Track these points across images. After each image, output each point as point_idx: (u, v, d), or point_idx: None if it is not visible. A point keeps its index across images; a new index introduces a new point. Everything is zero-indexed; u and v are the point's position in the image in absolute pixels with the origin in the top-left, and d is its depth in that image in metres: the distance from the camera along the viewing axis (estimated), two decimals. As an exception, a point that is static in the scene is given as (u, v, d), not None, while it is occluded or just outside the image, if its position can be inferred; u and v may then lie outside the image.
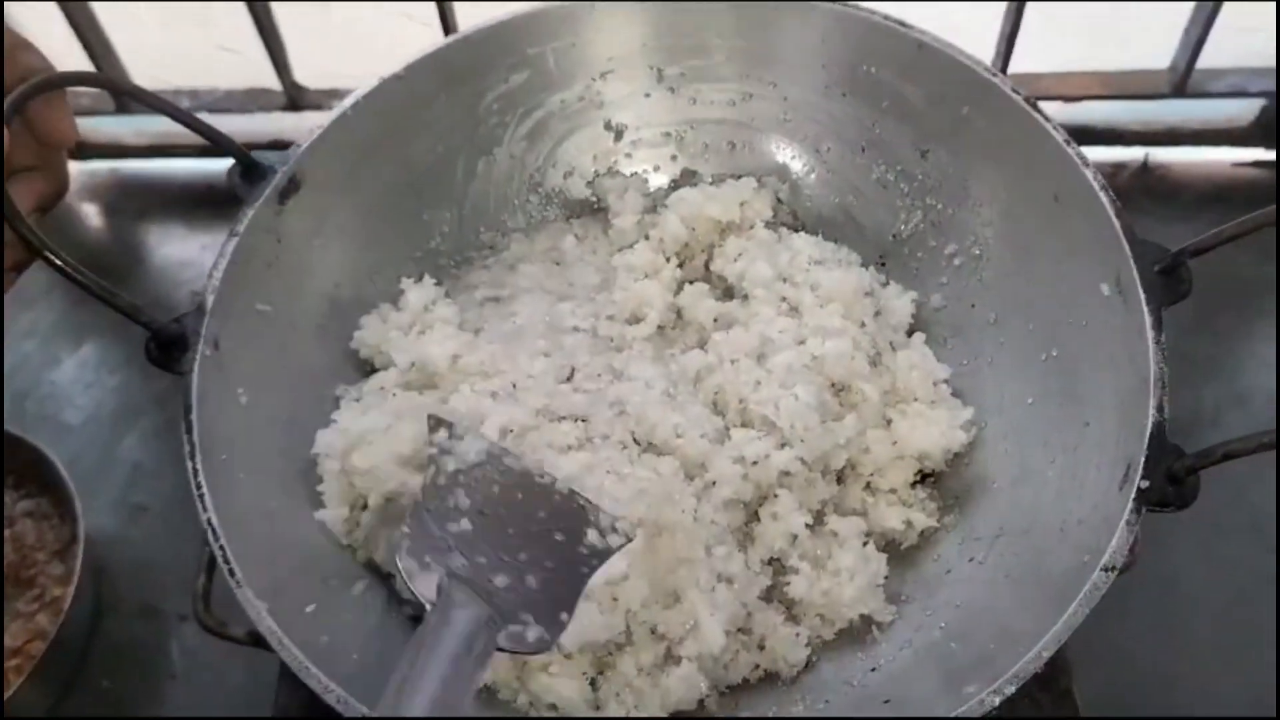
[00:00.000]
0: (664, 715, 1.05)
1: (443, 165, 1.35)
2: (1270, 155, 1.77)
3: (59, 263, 1.00)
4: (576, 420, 1.17)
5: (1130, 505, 0.95)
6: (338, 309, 1.27)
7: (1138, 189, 1.77)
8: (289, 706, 1.21)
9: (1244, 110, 1.81)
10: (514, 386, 1.19)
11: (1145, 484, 0.95)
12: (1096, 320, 1.10)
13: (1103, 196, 1.10)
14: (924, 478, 1.22)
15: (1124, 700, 1.27)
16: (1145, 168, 1.79)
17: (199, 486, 1.02)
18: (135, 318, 1.06)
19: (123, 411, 1.68)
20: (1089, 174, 1.11)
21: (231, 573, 0.97)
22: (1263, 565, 1.37)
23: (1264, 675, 1.28)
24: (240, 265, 1.14)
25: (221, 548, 0.99)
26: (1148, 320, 1.02)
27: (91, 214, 1.96)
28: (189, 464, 1.03)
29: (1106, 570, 0.93)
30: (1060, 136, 1.14)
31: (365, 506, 1.14)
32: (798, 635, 1.11)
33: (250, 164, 1.19)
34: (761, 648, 1.11)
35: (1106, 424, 1.05)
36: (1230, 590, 1.35)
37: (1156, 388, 0.99)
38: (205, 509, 1.00)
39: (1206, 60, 1.73)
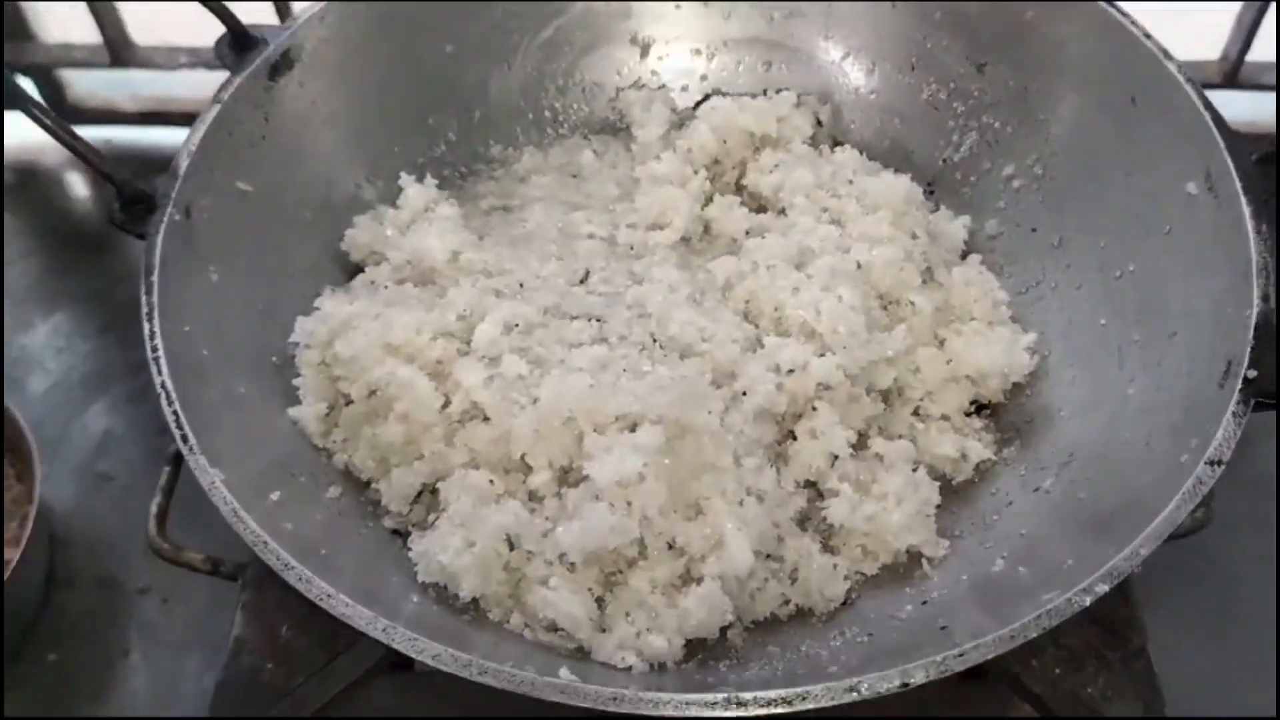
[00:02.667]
0: (680, 640, 0.89)
1: (452, 67, 1.24)
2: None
3: (38, 114, 0.93)
4: (590, 320, 1.04)
5: (1236, 397, 0.83)
6: (329, 207, 1.16)
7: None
8: (249, 642, 1.05)
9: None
10: (520, 286, 1.06)
11: (1253, 374, 0.84)
12: (1182, 223, 0.99)
13: (1189, 89, 1.00)
14: (979, 409, 1.09)
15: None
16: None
17: (154, 350, 0.89)
18: (100, 169, 0.96)
19: (94, 378, 1.57)
20: (1172, 67, 1.02)
21: (184, 439, 0.84)
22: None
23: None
24: (221, 135, 1.04)
25: (175, 413, 0.86)
26: (1246, 211, 0.92)
27: (77, 183, 1.85)
28: (145, 326, 0.91)
29: (1212, 464, 0.80)
30: (1139, 30, 1.04)
31: (349, 402, 1.00)
32: (835, 567, 0.96)
33: (242, 34, 1.08)
34: (794, 580, 0.96)
35: (1199, 329, 0.93)
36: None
37: (1260, 277, 0.89)
38: (160, 371, 0.88)
39: (1259, 54, 1.64)
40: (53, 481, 1.31)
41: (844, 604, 0.97)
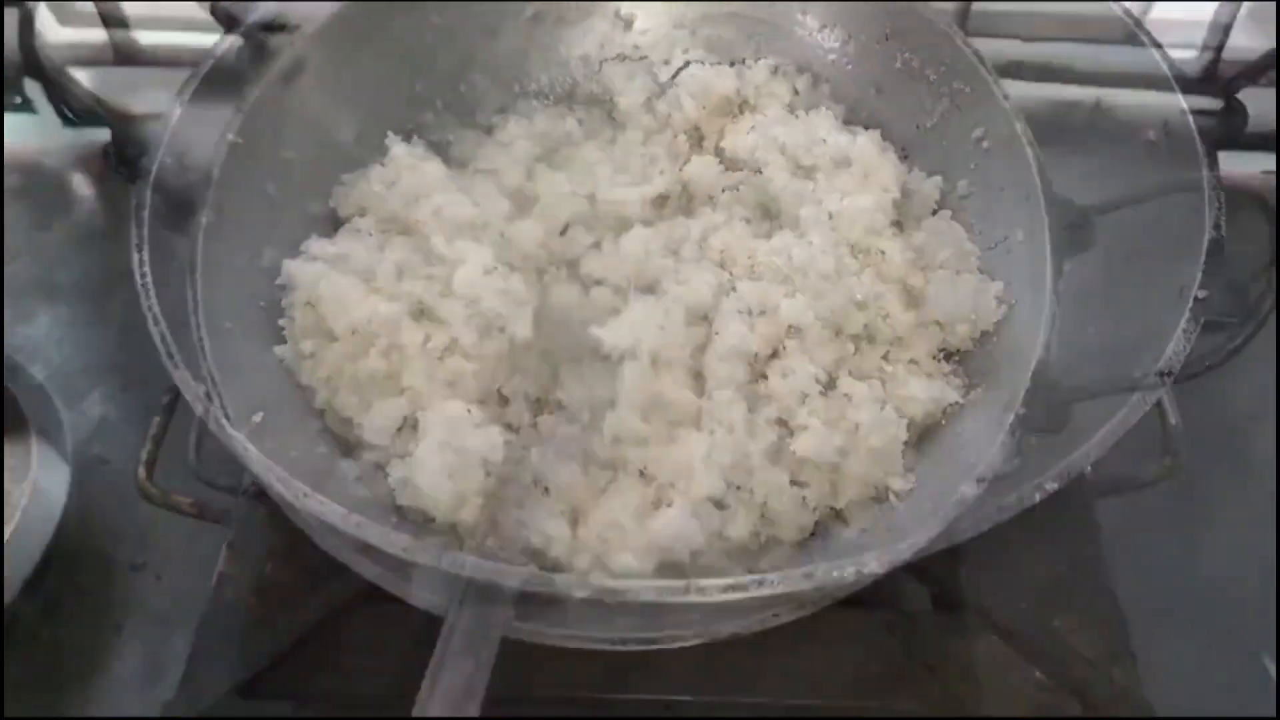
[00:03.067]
0: (651, 561, 0.91)
1: (439, 38, 1.27)
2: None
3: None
4: (568, 265, 1.07)
5: (1187, 315, 0.86)
6: (317, 165, 1.19)
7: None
8: (232, 578, 1.07)
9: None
10: (501, 236, 1.09)
11: (1203, 293, 0.86)
12: (1142, 169, 1.03)
13: (1148, 43, 1.05)
14: (947, 357, 1.11)
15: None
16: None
17: (144, 277, 0.92)
18: (94, 109, 1.01)
19: (95, 367, 1.59)
20: (1132, 25, 1.06)
21: (170, 355, 0.87)
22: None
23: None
24: (213, 89, 1.08)
25: (161, 334, 0.89)
26: (1200, 150, 0.97)
27: (81, 184, 1.88)
28: (134, 256, 0.94)
29: (1162, 375, 0.83)
30: None
31: (333, 340, 1.03)
32: (804, 500, 0.98)
33: (231, -3, 1.13)
34: (763, 515, 0.98)
35: (1155, 265, 0.97)
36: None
37: (1211, 209, 0.93)
38: (147, 297, 0.91)
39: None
40: (49, 464, 1.33)
41: (812, 535, 0.99)
